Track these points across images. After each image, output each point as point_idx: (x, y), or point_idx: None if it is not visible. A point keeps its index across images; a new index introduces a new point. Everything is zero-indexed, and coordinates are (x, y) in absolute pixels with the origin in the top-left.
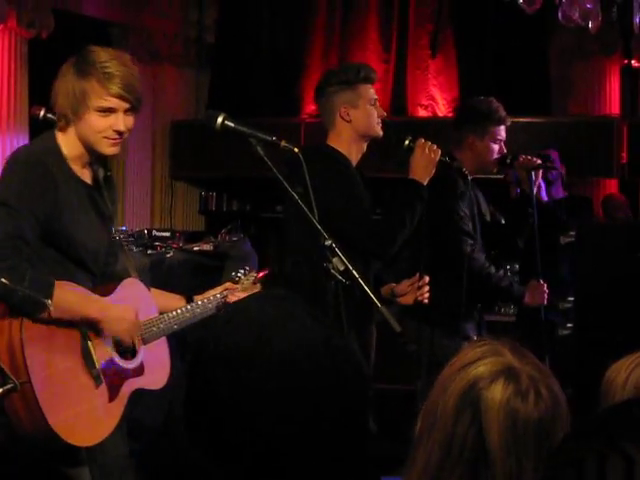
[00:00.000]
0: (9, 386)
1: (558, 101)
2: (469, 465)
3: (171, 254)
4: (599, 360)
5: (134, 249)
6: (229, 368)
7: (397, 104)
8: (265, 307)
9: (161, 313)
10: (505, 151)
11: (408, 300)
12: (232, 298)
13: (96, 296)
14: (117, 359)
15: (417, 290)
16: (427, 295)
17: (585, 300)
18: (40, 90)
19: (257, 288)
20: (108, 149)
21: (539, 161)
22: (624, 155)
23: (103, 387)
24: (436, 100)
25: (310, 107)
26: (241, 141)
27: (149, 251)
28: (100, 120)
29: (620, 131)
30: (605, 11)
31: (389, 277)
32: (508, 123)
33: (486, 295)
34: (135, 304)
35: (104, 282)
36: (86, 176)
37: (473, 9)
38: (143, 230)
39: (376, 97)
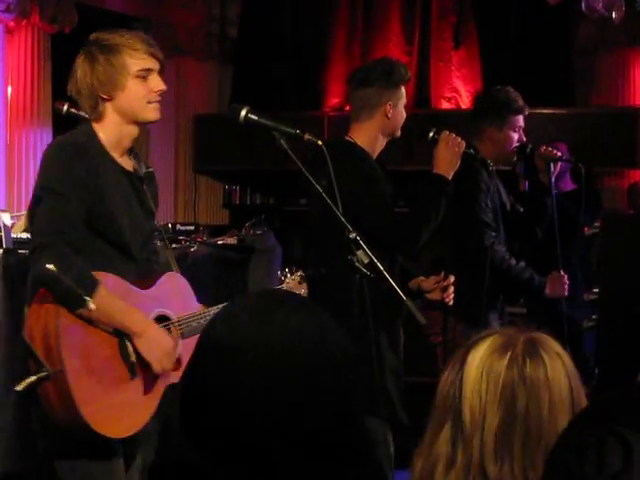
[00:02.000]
0: (43, 374)
1: (582, 92)
2: (449, 417)
3: (195, 248)
4: (623, 353)
5: (158, 243)
6: (220, 358)
7: (420, 96)
8: (256, 299)
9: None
10: (524, 139)
11: (434, 296)
12: None
13: (139, 311)
14: None
15: (442, 290)
16: (452, 296)
17: (609, 292)
18: (63, 85)
19: (303, 287)
20: (153, 114)
21: (559, 153)
22: None
23: (138, 380)
24: (459, 92)
25: (333, 100)
26: (264, 134)
27: (173, 245)
28: (141, 85)
29: None
30: (629, 1)
31: (417, 270)
32: (526, 112)
33: (507, 287)
34: (176, 298)
35: (146, 274)
36: (126, 164)
37: (496, 0)
38: (167, 224)
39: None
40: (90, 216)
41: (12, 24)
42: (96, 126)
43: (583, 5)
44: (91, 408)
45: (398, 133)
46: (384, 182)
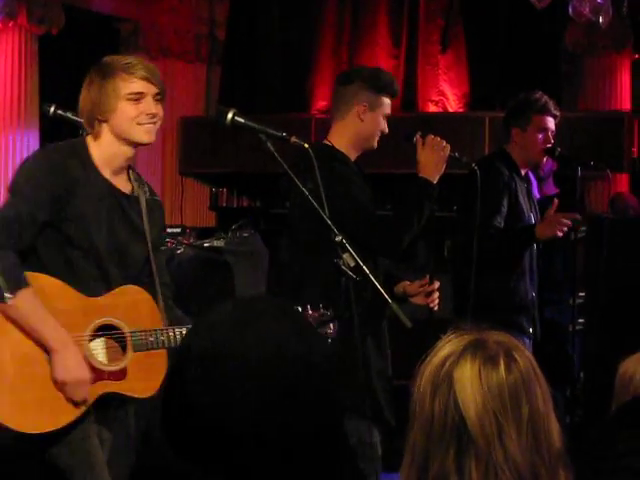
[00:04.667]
0: None
1: (569, 96)
2: (453, 439)
3: (181, 250)
4: (610, 356)
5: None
6: (201, 368)
7: (407, 100)
8: (236, 307)
9: None
10: (552, 142)
11: (419, 301)
12: None
13: (63, 330)
14: (91, 358)
15: (427, 295)
16: (437, 302)
17: (596, 296)
18: (51, 86)
19: (329, 328)
20: (144, 136)
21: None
22: (635, 150)
23: None
24: (446, 95)
25: (320, 103)
26: (251, 137)
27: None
28: (132, 107)
29: (631, 126)
30: (616, 6)
31: (404, 274)
32: (555, 112)
33: (508, 252)
34: (131, 310)
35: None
36: (119, 184)
37: (484, 4)
38: None
39: (389, 113)
40: (59, 220)
41: None
42: (92, 142)
43: (570, 10)
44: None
45: (373, 144)
46: (362, 185)
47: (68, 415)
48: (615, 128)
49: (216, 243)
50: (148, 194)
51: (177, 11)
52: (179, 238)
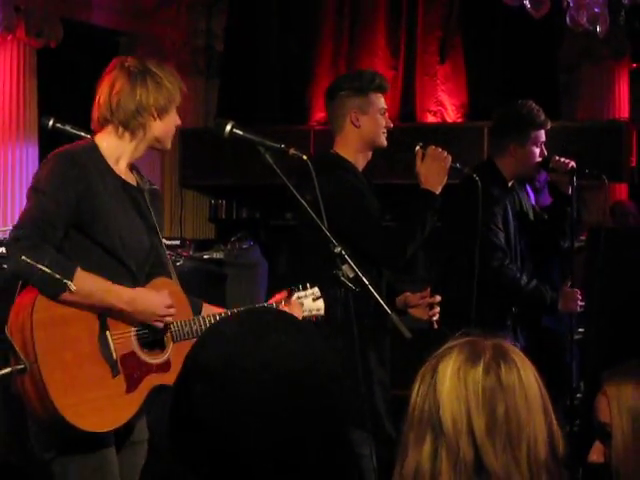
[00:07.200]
0: (20, 367)
1: (567, 106)
2: (429, 428)
3: (181, 262)
4: (609, 365)
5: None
6: (209, 380)
7: (406, 110)
8: (245, 320)
9: None
10: (546, 154)
11: (417, 313)
12: (284, 308)
13: (120, 287)
14: (139, 352)
15: (428, 307)
16: (438, 316)
17: (595, 304)
18: (49, 99)
19: (318, 305)
20: (170, 143)
21: (572, 163)
22: (633, 159)
23: (120, 378)
24: (445, 106)
25: (319, 114)
26: (250, 149)
27: None
28: (176, 115)
29: (629, 135)
30: (613, 15)
31: (404, 286)
32: (548, 126)
33: (520, 306)
34: None
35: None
36: (130, 179)
37: (481, 15)
38: None
39: (385, 107)
40: (80, 218)
41: None
42: (100, 138)
43: (568, 19)
44: (66, 401)
45: (381, 141)
46: (370, 195)
47: (129, 411)
48: (614, 137)
49: (215, 255)
50: (148, 184)
51: (175, 24)
52: (178, 250)
